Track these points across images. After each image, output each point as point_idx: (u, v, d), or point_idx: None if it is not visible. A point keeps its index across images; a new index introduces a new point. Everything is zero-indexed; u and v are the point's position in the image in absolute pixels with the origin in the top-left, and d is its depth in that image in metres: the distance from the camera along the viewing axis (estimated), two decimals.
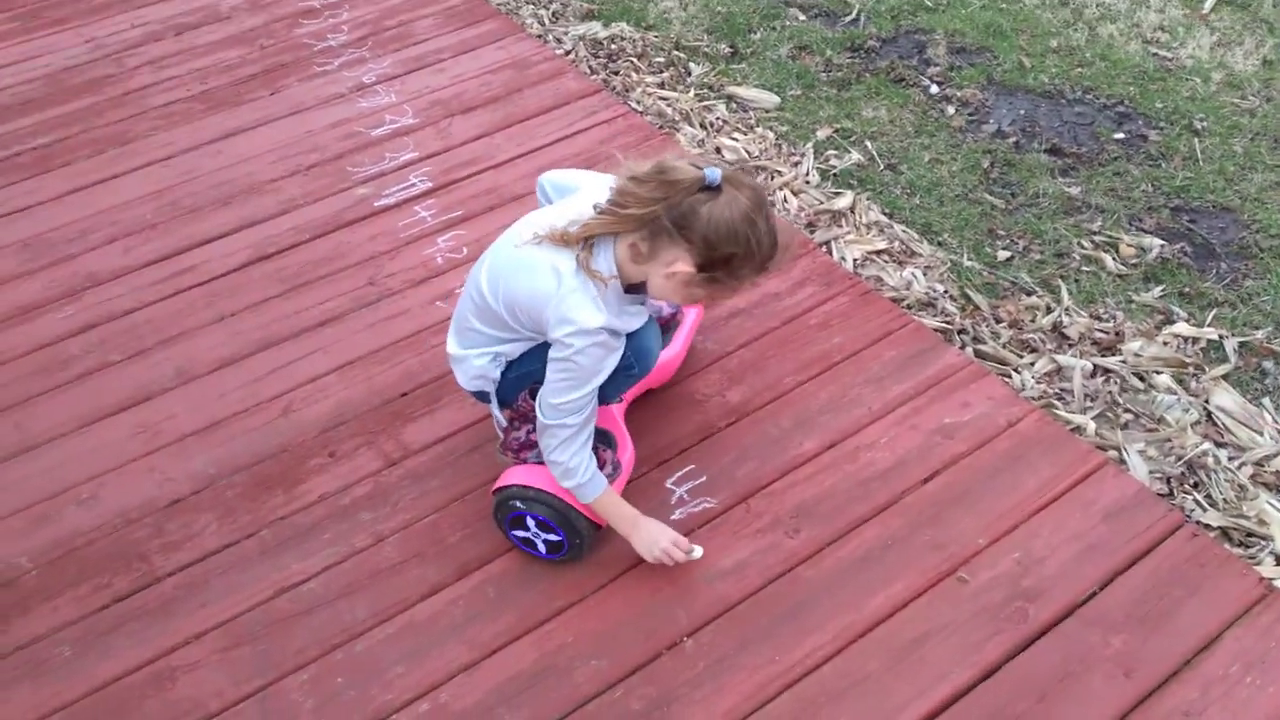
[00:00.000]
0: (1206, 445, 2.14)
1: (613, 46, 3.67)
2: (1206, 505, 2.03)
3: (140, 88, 3.39)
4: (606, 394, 1.74)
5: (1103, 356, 2.39)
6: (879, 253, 2.75)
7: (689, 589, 1.84)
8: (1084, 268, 2.69)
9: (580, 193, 1.75)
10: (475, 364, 1.82)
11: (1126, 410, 2.24)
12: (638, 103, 3.33)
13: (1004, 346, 2.44)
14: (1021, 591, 1.79)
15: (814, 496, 2.01)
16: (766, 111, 3.36)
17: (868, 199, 2.95)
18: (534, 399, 1.76)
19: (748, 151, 3.13)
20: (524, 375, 1.82)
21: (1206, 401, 2.27)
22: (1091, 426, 2.19)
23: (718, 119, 3.29)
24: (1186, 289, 2.61)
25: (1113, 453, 2.12)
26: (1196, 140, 3.11)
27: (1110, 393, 2.28)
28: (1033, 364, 2.38)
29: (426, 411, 2.21)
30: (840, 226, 2.84)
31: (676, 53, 3.65)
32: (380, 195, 2.85)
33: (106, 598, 1.91)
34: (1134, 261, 2.69)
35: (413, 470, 2.09)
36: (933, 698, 1.66)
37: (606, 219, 1.58)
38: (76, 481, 2.13)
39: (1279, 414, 2.26)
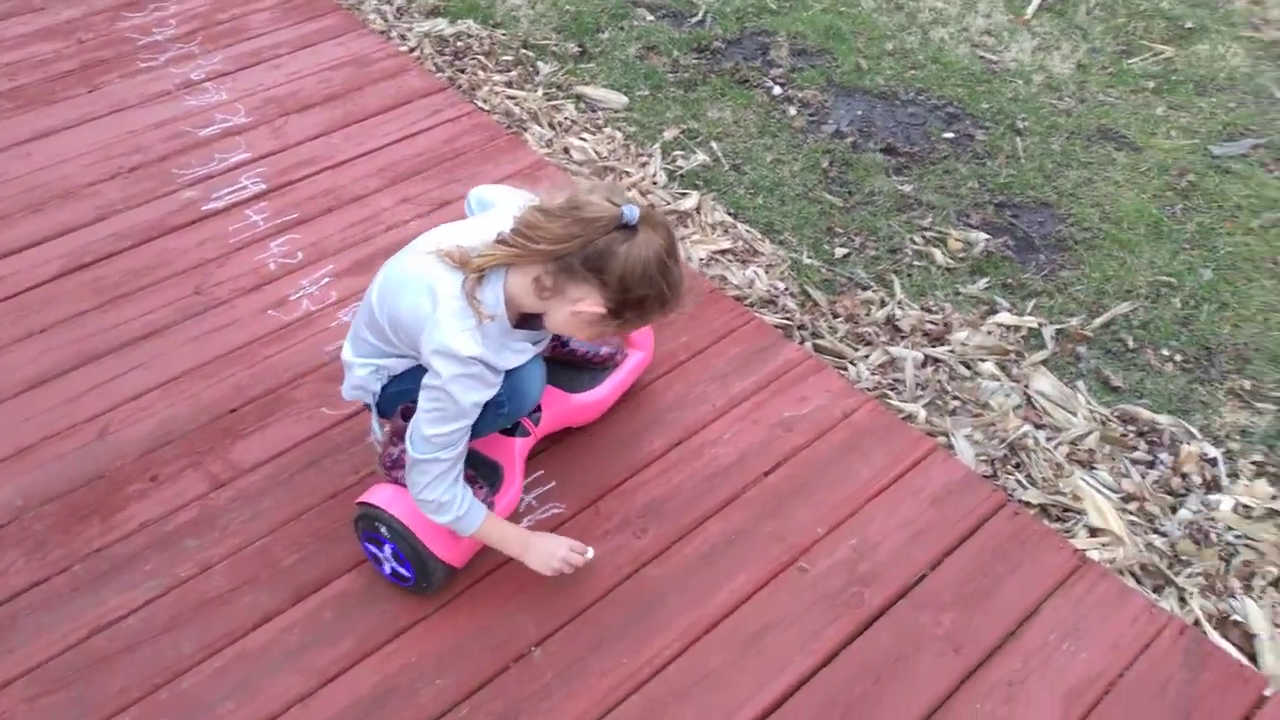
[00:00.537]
0: (1026, 428, 2.27)
1: (459, 44, 3.61)
2: (1027, 484, 2.16)
3: None
4: (476, 429, 1.65)
5: (932, 347, 2.50)
6: (723, 252, 2.80)
7: (537, 597, 1.82)
8: (915, 262, 2.81)
9: (495, 211, 1.72)
10: (358, 374, 1.78)
11: (954, 397, 2.35)
12: (484, 101, 3.29)
13: (841, 340, 2.52)
14: (858, 577, 1.86)
15: (662, 495, 2.03)
16: (615, 112, 3.37)
17: (713, 199, 3.00)
18: (405, 419, 1.70)
19: (596, 152, 3.14)
20: (403, 392, 1.75)
21: (1026, 386, 2.40)
22: (922, 414, 2.29)
23: (566, 119, 3.29)
24: (1009, 280, 2.75)
25: (942, 438, 2.23)
26: (1019, 139, 3.29)
27: (939, 381, 2.39)
28: (867, 356, 2.47)
29: (258, 428, 2.12)
30: (686, 227, 2.88)
31: (525, 51, 3.62)
32: (208, 199, 2.72)
33: None
34: (961, 255, 2.83)
35: (243, 491, 2.00)
36: (775, 689, 1.70)
37: (510, 250, 1.53)
38: None
39: (1091, 396, 2.41)
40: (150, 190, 2.74)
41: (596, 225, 1.47)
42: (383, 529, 1.75)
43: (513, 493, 1.90)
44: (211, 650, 1.75)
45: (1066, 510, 2.12)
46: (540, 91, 3.39)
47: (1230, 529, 2.10)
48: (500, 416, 1.73)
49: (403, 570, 1.79)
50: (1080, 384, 2.45)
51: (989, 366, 2.46)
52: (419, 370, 1.66)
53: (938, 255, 2.82)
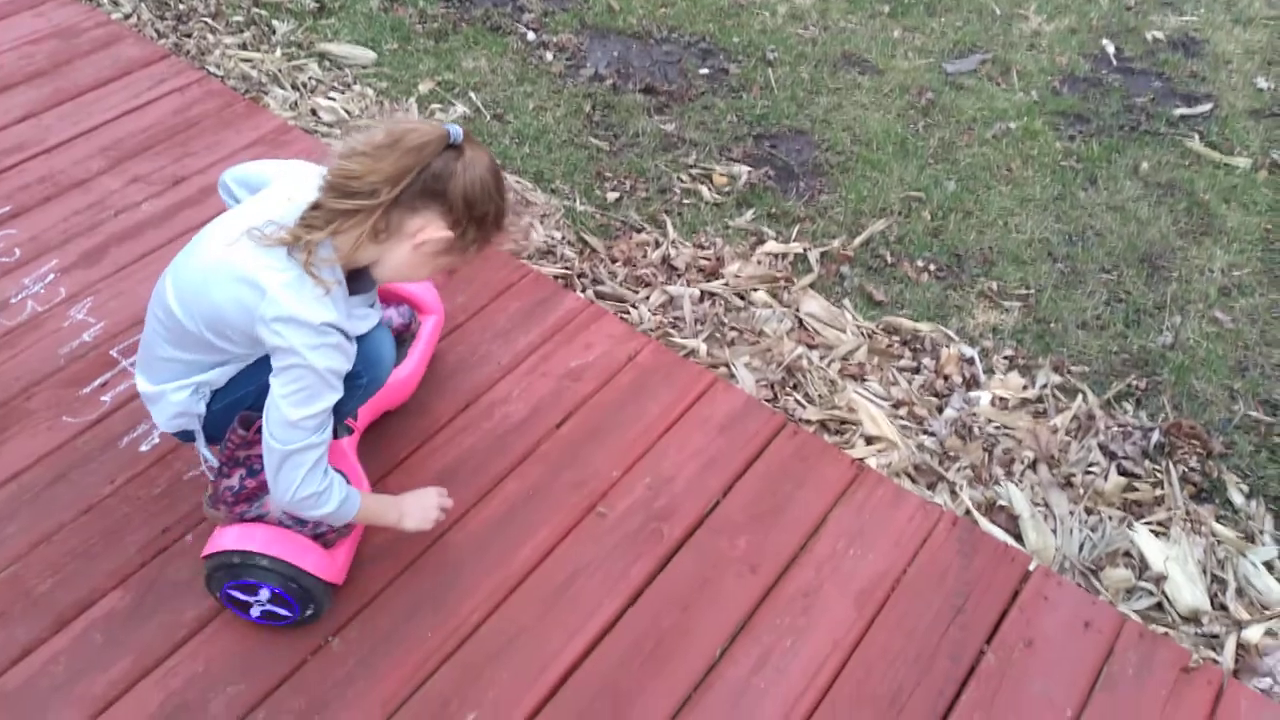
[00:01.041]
0: (800, 349, 2.36)
1: (181, 6, 3.32)
2: (805, 403, 2.25)
3: None
4: (336, 412, 1.50)
5: (707, 282, 2.55)
6: None
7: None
8: (685, 200, 2.84)
9: (275, 186, 1.55)
10: (174, 400, 1.58)
11: (732, 328, 2.41)
12: (217, 66, 3.05)
13: (621, 285, 2.53)
14: (655, 513, 1.88)
15: (454, 460, 1.97)
16: (364, 68, 3.21)
17: None
18: (246, 429, 1.56)
19: (347, 111, 2.97)
20: (234, 404, 1.58)
21: (797, 310, 2.50)
22: (703, 348, 2.33)
23: (311, 79, 3.10)
24: (773, 210, 2.84)
25: (723, 369, 2.28)
26: (770, 70, 3.38)
27: (717, 314, 2.45)
28: (647, 298, 2.49)
29: None
30: (521, 245, 2.79)
31: (256, 10, 3.37)
32: None
33: None
34: (727, 190, 2.89)
35: None
36: (586, 634, 1.70)
37: (349, 205, 1.38)
38: None
39: (857, 312, 2.54)
40: None
41: (428, 149, 1.39)
42: (255, 574, 1.57)
43: (364, 490, 1.75)
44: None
45: (844, 423, 2.23)
46: (279, 52, 3.17)
47: (990, 421, 2.27)
48: (360, 390, 1.60)
49: (280, 610, 1.63)
50: (846, 302, 2.57)
51: (761, 295, 2.53)
52: (247, 374, 1.56)
53: (705, 191, 2.87)
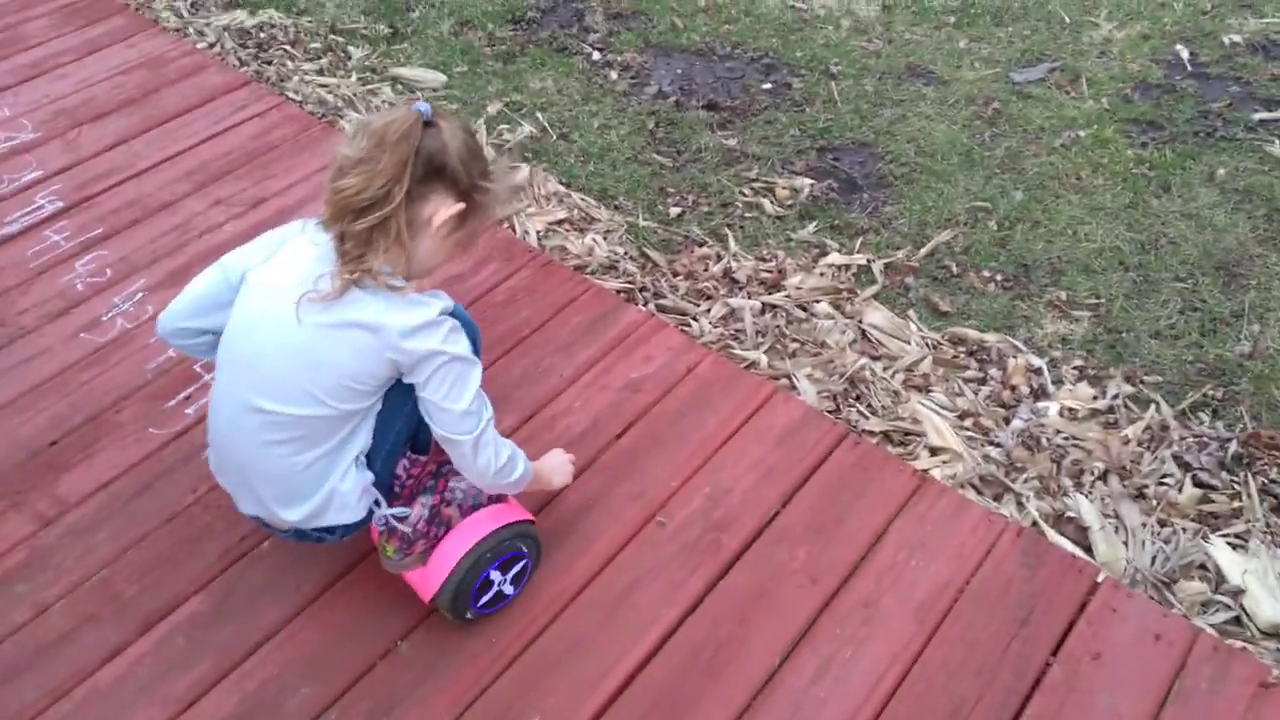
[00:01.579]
0: (863, 360, 2.35)
1: (262, 35, 3.46)
2: (868, 414, 2.24)
3: None
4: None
5: (769, 294, 2.56)
6: (560, 222, 2.79)
7: (396, 593, 1.78)
8: (747, 214, 2.86)
9: (288, 247, 1.52)
10: (345, 490, 1.55)
11: (793, 340, 2.42)
12: (295, 92, 3.17)
13: (682, 298, 2.55)
14: (714, 524, 1.90)
15: None
16: (434, 90, 3.30)
17: (544, 170, 2.98)
18: (424, 450, 1.61)
19: None
20: (390, 452, 1.60)
21: (860, 321, 2.49)
22: (764, 360, 2.34)
23: (384, 102, 3.20)
24: (836, 222, 2.84)
25: (784, 381, 2.29)
26: (833, 83, 3.38)
27: (778, 326, 2.45)
28: (709, 310, 2.50)
29: (83, 458, 2.00)
30: (520, 200, 2.85)
31: (334, 37, 3.50)
32: (1, 224, 2.53)
33: None
34: (789, 203, 2.90)
35: (74, 526, 1.89)
36: (645, 643, 1.72)
37: (367, 221, 1.38)
38: None
39: (922, 323, 2.52)
40: None
41: (412, 135, 1.39)
42: (479, 569, 1.64)
43: None
44: (58, 694, 1.66)
45: (907, 434, 2.21)
46: (354, 77, 3.29)
47: (1059, 432, 2.23)
48: (480, 352, 1.67)
49: (517, 567, 1.73)
50: (911, 313, 2.55)
51: (824, 307, 2.53)
52: (386, 416, 1.56)
53: (767, 205, 2.88)
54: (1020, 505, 2.06)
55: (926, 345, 2.44)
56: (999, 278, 2.66)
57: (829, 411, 2.22)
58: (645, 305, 2.49)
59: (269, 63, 3.32)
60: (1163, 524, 2.01)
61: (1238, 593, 1.85)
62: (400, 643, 1.73)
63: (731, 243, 2.73)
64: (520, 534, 1.69)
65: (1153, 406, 2.28)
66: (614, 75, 3.40)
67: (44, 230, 2.52)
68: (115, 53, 3.14)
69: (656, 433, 2.07)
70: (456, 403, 1.49)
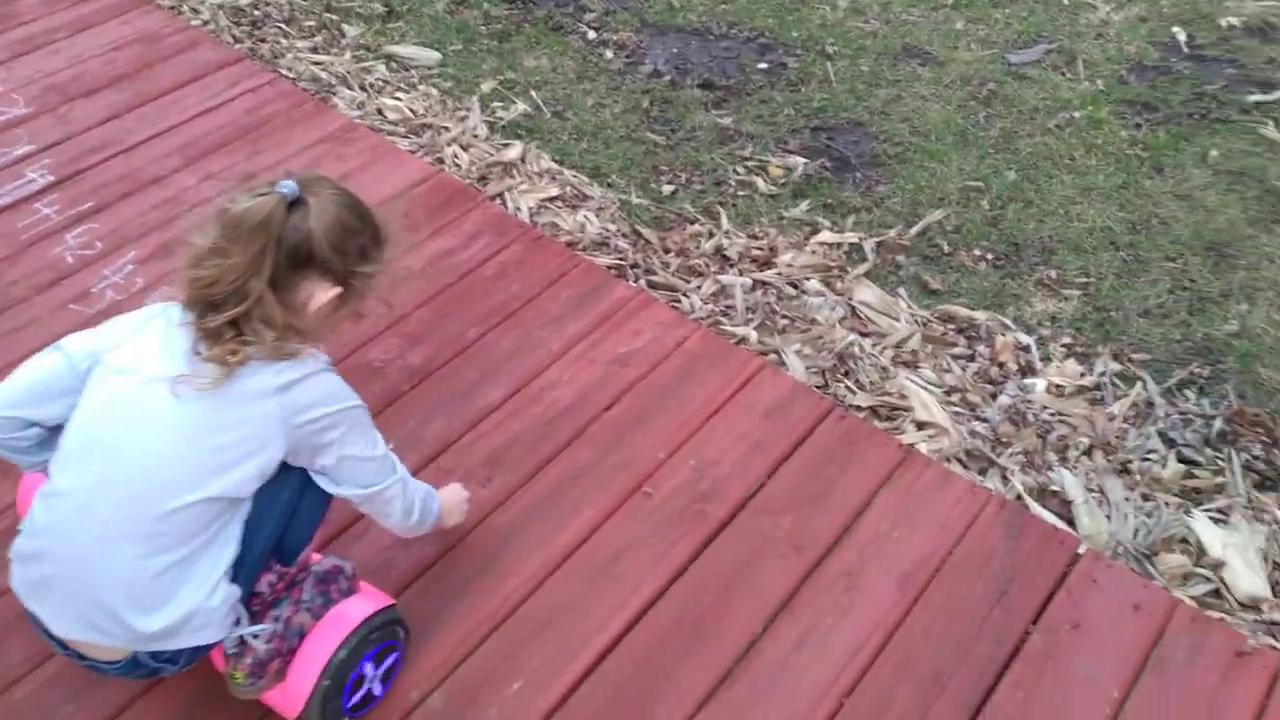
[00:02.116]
0: (852, 337, 2.36)
1: (256, 13, 3.45)
2: (856, 390, 2.25)
3: None
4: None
5: (760, 271, 2.56)
6: (552, 199, 2.79)
7: (381, 561, 1.79)
8: (740, 192, 2.86)
9: (147, 338, 1.35)
10: (212, 606, 1.34)
11: (783, 316, 2.42)
12: (289, 69, 3.17)
13: (673, 275, 2.56)
14: (700, 495, 1.91)
15: (503, 444, 2.02)
16: (429, 69, 3.30)
17: (537, 148, 2.98)
18: (284, 569, 1.46)
19: (412, 110, 3.06)
20: (256, 563, 1.41)
21: (851, 298, 2.49)
22: (754, 336, 2.35)
23: (378, 80, 3.20)
24: (829, 200, 2.84)
25: (773, 356, 2.29)
26: (829, 64, 3.37)
27: (768, 303, 2.46)
28: (699, 287, 2.51)
29: None
30: (512, 177, 2.85)
31: (328, 15, 3.49)
32: None
33: None
34: (782, 181, 2.90)
35: None
36: (628, 610, 1.73)
37: (222, 317, 1.26)
38: None
39: (912, 301, 2.52)
40: None
41: (273, 222, 1.26)
42: (364, 648, 1.50)
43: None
44: (43, 657, 1.66)
45: (895, 409, 2.22)
46: (348, 54, 3.28)
47: (1045, 408, 2.24)
48: None
49: (384, 681, 1.58)
50: (901, 290, 2.55)
51: (814, 284, 2.53)
52: (255, 516, 1.39)
53: (760, 183, 2.88)
54: (1005, 479, 2.06)
55: (916, 322, 2.45)
56: (990, 256, 2.66)
57: (817, 387, 2.22)
58: (636, 281, 2.49)
59: (263, 40, 3.32)
60: (1146, 498, 2.02)
61: (1218, 565, 1.86)
62: None
63: (724, 220, 2.74)
64: (389, 621, 1.54)
65: (1139, 384, 2.28)
66: (609, 54, 3.40)
67: (34, 203, 2.52)
68: (109, 29, 3.13)
69: (644, 405, 2.08)
70: (375, 448, 1.45)
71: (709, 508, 1.89)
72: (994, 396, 2.27)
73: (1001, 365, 2.35)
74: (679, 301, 2.46)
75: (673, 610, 1.74)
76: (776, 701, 1.61)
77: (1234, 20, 3.56)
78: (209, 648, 1.40)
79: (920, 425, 2.17)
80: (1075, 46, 3.45)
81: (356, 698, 1.54)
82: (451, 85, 3.22)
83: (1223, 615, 1.76)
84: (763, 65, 3.38)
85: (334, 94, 3.07)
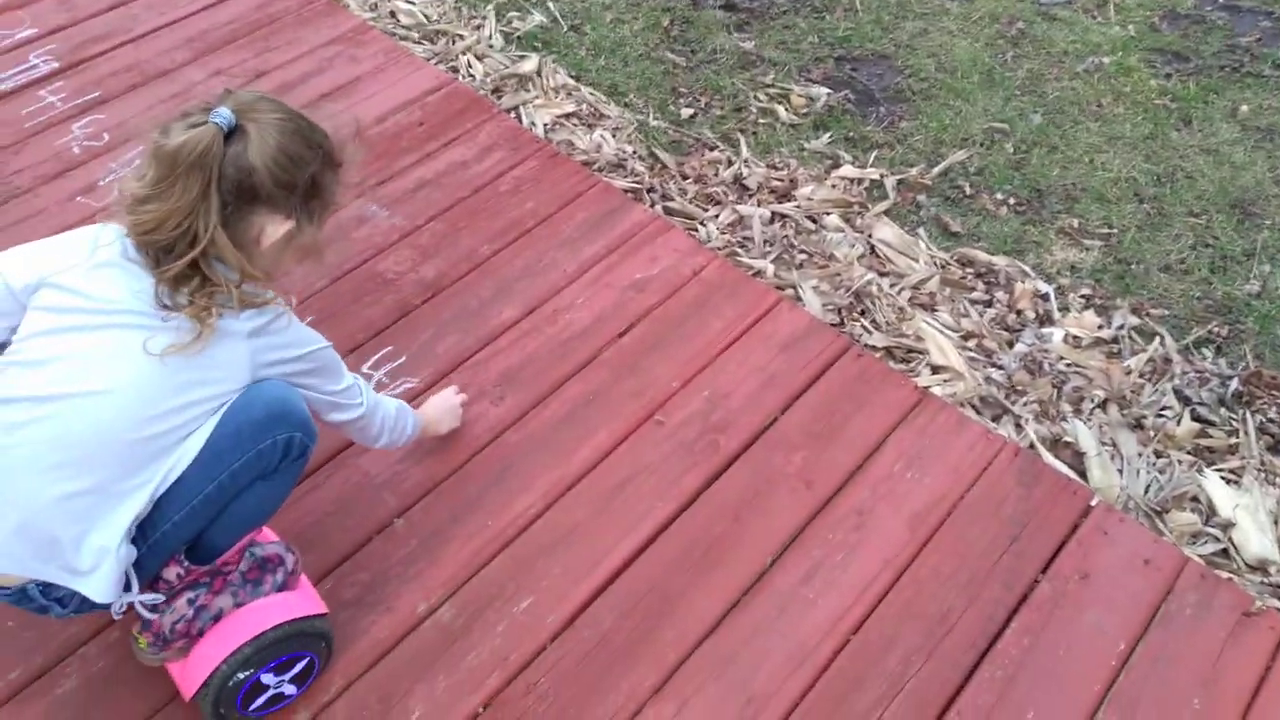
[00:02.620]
0: (870, 275, 2.32)
1: None
2: (872, 329, 2.22)
3: None
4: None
5: (779, 203, 2.51)
6: (568, 116, 2.72)
7: (393, 473, 1.78)
8: (760, 120, 2.79)
9: (103, 274, 1.23)
10: (115, 555, 1.22)
11: (801, 251, 2.38)
12: None
13: (690, 201, 2.51)
14: (712, 425, 1.89)
15: (517, 363, 2.00)
16: None
17: (553, 61, 2.90)
18: (211, 557, 1.37)
19: (425, 15, 2.96)
20: (170, 534, 1.28)
21: (870, 236, 2.45)
22: (770, 269, 2.31)
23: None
24: (851, 134, 2.78)
25: (789, 291, 2.26)
26: None
27: (786, 236, 2.42)
28: (717, 216, 2.46)
29: None
30: (528, 91, 2.77)
31: None
32: None
33: None
34: (804, 111, 2.83)
35: None
36: (637, 536, 1.73)
37: (175, 265, 1.18)
38: None
39: (931, 242, 2.48)
40: None
41: (209, 155, 1.16)
42: (245, 673, 1.38)
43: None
44: None
45: (910, 351, 2.20)
46: None
47: (1062, 359, 2.22)
48: None
49: (298, 668, 1.47)
50: (921, 231, 2.51)
51: (834, 219, 2.49)
52: (184, 484, 1.25)
53: (781, 112, 2.81)
54: (1018, 427, 2.06)
55: (935, 264, 2.42)
56: (1012, 201, 2.62)
57: (833, 324, 2.20)
58: (652, 206, 2.44)
59: None
60: (1159, 455, 2.01)
61: (1228, 525, 1.87)
62: (396, 520, 1.73)
63: (743, 148, 2.68)
64: (301, 633, 1.43)
65: (1157, 339, 2.27)
66: None
67: (39, 90, 2.44)
68: None
69: (659, 333, 2.05)
70: (340, 382, 1.42)
71: (721, 439, 1.87)
72: (1010, 344, 2.25)
73: (1019, 313, 2.33)
74: (695, 230, 2.42)
75: (683, 537, 1.73)
76: (783, 632, 1.61)
77: None
78: (95, 604, 1.25)
79: (935, 369, 2.15)
80: None
81: (260, 699, 1.44)
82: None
83: (1230, 575, 1.77)
84: None
85: None
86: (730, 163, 2.64)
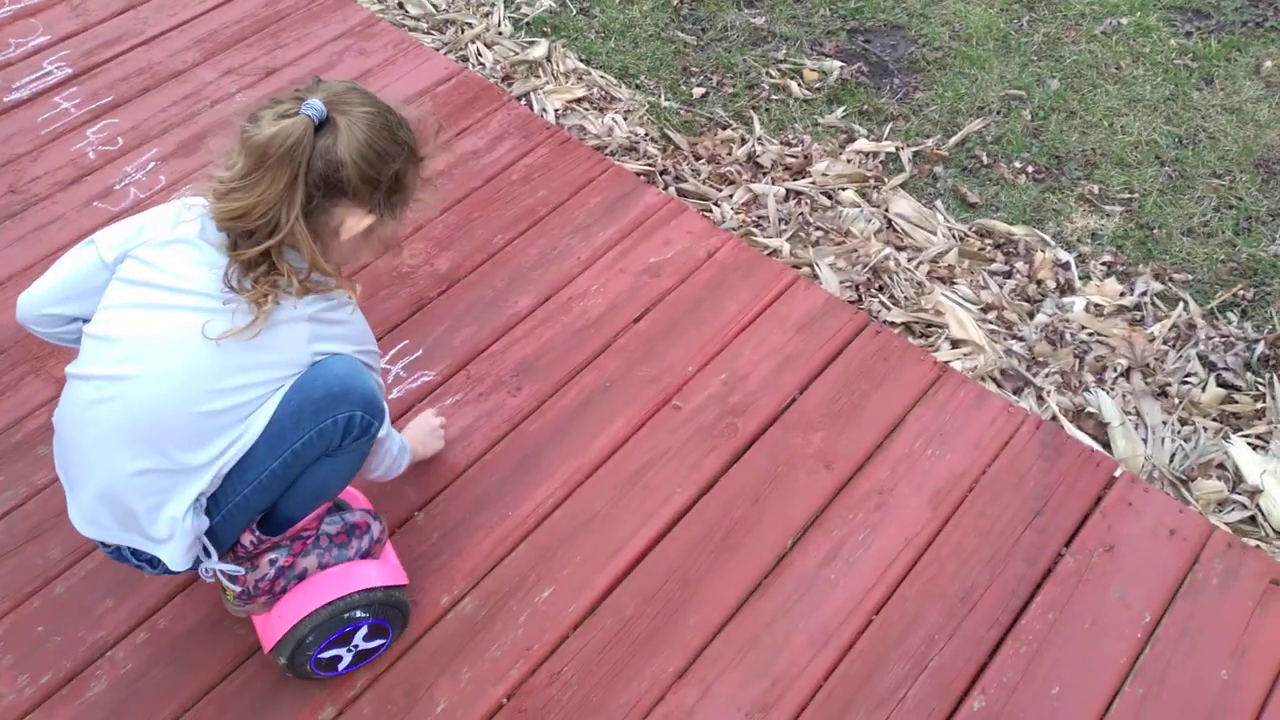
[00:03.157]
0: (888, 250, 2.30)
1: None
2: (890, 305, 2.20)
3: None
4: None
5: (794, 180, 2.49)
6: (579, 100, 2.71)
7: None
8: (773, 97, 2.77)
9: (175, 252, 1.28)
10: (185, 528, 1.30)
11: (817, 228, 2.36)
12: None
13: (704, 182, 2.49)
14: (730, 408, 1.89)
15: (534, 352, 2.00)
16: None
17: (563, 46, 2.88)
18: (264, 537, 1.41)
19: (434, 5, 2.96)
20: (240, 506, 1.34)
21: (886, 210, 2.43)
22: (786, 248, 2.29)
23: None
24: (865, 107, 2.75)
25: (806, 269, 2.24)
26: None
27: (802, 214, 2.40)
28: (731, 196, 2.45)
29: None
30: (538, 77, 2.77)
31: None
32: (10, 89, 2.48)
33: None
34: (817, 86, 2.80)
35: None
36: (658, 521, 1.73)
37: (252, 250, 1.22)
38: None
39: (949, 214, 2.46)
40: None
41: (299, 148, 1.19)
42: (357, 613, 1.46)
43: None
44: (81, 554, 1.69)
45: (930, 326, 2.18)
46: None
47: (1084, 328, 2.20)
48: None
49: (375, 642, 1.53)
50: (938, 203, 2.49)
51: (849, 195, 2.47)
52: (246, 464, 1.30)
53: (794, 87, 2.79)
54: (1040, 399, 2.04)
55: (953, 236, 2.39)
56: (1030, 169, 2.58)
57: (851, 301, 2.18)
58: (666, 189, 2.43)
59: None
60: (1183, 423, 1.99)
61: (1255, 492, 1.84)
62: (417, 514, 1.74)
63: (756, 126, 2.66)
64: (391, 602, 1.50)
65: (1180, 305, 2.23)
66: None
67: (53, 97, 2.46)
68: None
69: (674, 317, 2.04)
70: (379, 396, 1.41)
71: (739, 421, 1.87)
72: (1031, 315, 2.23)
73: (1040, 283, 2.30)
74: (710, 211, 2.41)
75: (702, 522, 1.73)
76: (805, 614, 1.62)
77: None
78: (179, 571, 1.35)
79: (955, 343, 2.13)
80: None
81: (327, 655, 1.49)
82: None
83: (1258, 543, 1.75)
84: None
85: None
86: (743, 141, 2.62)
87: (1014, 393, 2.05)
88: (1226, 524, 1.79)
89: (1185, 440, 1.94)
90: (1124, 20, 3.00)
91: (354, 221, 1.29)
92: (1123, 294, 2.27)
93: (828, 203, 2.45)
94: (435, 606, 1.63)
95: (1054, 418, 1.98)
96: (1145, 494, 1.76)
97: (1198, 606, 1.61)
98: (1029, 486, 1.78)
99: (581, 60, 2.84)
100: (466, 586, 1.65)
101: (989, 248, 2.38)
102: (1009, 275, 2.33)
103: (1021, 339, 2.17)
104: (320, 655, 1.48)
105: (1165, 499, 1.76)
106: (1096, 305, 2.25)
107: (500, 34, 2.89)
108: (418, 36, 2.77)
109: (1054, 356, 2.12)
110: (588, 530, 1.72)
